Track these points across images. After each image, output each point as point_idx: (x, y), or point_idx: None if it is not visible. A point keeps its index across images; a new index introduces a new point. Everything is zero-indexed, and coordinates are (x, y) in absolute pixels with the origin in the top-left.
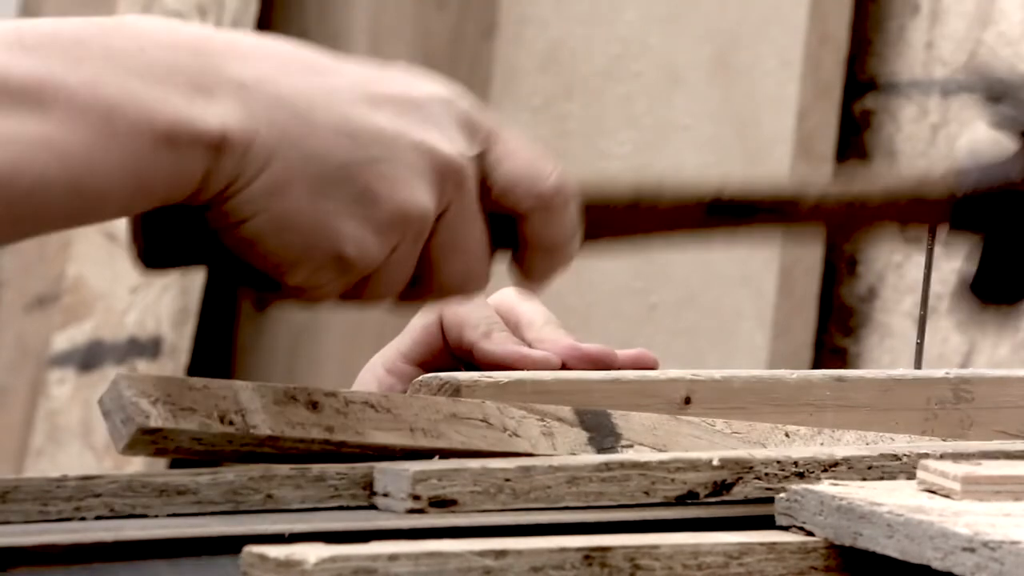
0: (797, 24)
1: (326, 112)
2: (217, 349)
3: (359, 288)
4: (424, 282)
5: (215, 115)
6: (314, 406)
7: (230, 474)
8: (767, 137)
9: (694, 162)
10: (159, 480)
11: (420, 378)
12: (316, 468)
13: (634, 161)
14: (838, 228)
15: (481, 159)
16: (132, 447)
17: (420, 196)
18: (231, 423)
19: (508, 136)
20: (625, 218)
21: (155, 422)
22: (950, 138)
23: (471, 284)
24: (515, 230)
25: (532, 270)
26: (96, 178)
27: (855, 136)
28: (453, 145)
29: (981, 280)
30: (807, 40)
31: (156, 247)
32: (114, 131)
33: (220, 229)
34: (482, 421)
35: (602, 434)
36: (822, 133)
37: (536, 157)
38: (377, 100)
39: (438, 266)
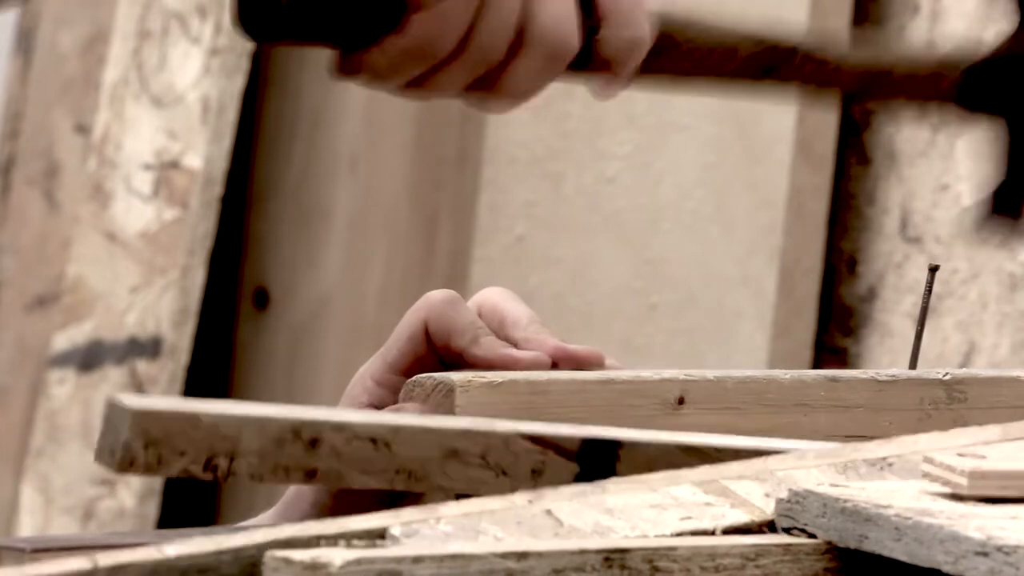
0: (797, 24)
1: None
2: (217, 349)
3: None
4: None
5: None
6: (313, 444)
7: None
8: (767, 137)
9: (694, 162)
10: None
11: (414, 379)
12: None
13: (634, 161)
14: (855, 92)
15: None
16: (116, 473)
17: None
18: (215, 468)
19: None
20: (667, 53)
21: (137, 468)
22: (950, 138)
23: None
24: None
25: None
26: None
27: (855, 136)
28: None
29: (1010, 188)
30: None
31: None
32: None
33: None
34: (480, 458)
35: (594, 474)
36: (822, 133)
37: None
38: None
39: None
